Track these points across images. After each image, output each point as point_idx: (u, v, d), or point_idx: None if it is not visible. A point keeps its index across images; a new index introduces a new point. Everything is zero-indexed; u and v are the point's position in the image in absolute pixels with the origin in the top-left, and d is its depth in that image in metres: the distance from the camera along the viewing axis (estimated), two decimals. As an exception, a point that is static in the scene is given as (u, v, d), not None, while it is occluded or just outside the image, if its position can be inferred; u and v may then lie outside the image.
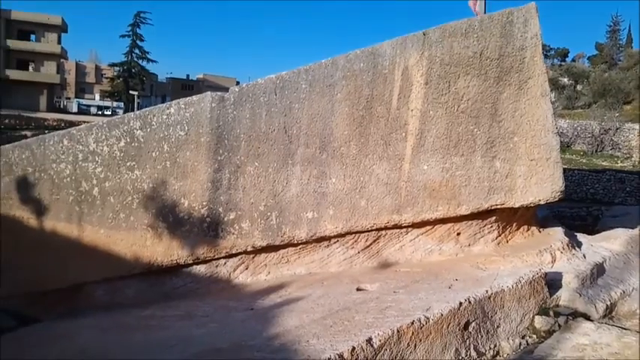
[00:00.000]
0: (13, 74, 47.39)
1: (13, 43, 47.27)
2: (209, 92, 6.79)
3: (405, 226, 6.82)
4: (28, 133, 24.20)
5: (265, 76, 6.64)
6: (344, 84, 6.44)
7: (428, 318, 4.32)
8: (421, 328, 4.23)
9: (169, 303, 6.36)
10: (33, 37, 49.18)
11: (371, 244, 6.90)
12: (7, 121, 30.57)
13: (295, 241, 6.68)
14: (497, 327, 4.89)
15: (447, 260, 6.78)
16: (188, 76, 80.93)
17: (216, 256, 6.90)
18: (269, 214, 6.61)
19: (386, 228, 6.76)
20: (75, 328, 5.37)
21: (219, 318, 5.17)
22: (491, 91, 6.54)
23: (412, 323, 4.19)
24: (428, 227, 6.97)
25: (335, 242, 6.84)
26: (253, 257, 7.00)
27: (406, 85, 6.51)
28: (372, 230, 6.74)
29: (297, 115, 6.50)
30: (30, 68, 48.92)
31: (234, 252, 6.83)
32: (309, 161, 6.52)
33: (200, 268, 7.06)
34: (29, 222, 7.20)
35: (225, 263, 7.04)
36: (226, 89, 6.99)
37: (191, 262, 6.94)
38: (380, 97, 6.50)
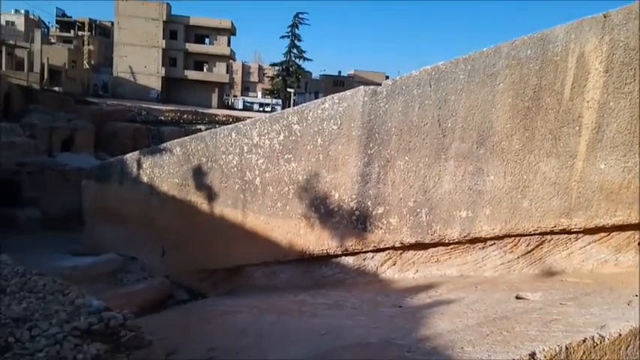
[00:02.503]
0: (191, 74, 53.91)
1: (191, 47, 53.68)
2: (362, 86, 6.82)
3: (574, 232, 6.06)
4: (203, 127, 27.25)
5: (415, 69, 6.45)
6: (507, 73, 5.93)
7: (603, 337, 3.76)
8: (594, 347, 3.70)
9: (319, 291, 6.58)
10: (207, 40, 55.31)
11: (533, 249, 6.28)
12: (185, 116, 34.91)
13: (446, 241, 6.39)
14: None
15: (625, 272, 5.87)
16: (340, 72, 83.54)
17: (364, 249, 6.95)
18: (419, 210, 6.42)
19: (552, 232, 6.08)
20: (236, 306, 5.85)
21: (367, 311, 5.17)
22: (694, 77, 5.44)
23: (584, 341, 3.68)
24: (602, 234, 6.10)
25: (491, 245, 6.38)
26: (401, 254, 6.89)
27: (581, 73, 5.74)
28: (534, 234, 6.12)
29: (453, 108, 6.18)
30: (204, 69, 55.11)
31: (381, 247, 6.80)
32: (465, 156, 6.16)
33: (348, 260, 7.18)
34: (202, 206, 8.07)
35: (372, 257, 7.05)
36: (376, 84, 6.96)
37: (340, 253, 7.10)
38: (549, 86, 5.84)
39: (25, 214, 14.56)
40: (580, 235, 6.12)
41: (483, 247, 6.43)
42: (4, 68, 34.56)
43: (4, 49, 37.70)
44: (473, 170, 6.12)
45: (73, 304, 3.30)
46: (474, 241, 6.36)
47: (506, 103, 5.94)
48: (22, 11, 67.27)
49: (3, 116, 19.97)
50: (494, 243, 6.36)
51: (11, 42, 42.64)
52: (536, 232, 6.04)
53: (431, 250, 6.66)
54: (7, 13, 66.13)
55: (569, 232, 6.07)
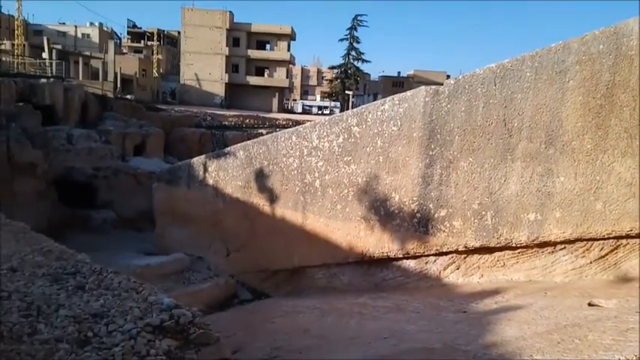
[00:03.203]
0: (252, 80, 55.34)
1: (253, 53, 55.12)
2: (423, 87, 6.72)
3: (654, 236, 5.66)
4: (264, 131, 27.89)
5: (478, 68, 6.27)
6: (577, 69, 5.64)
7: (688, 350, 3.48)
8: (678, 361, 3.43)
9: (380, 294, 6.54)
10: (268, 46, 56.54)
11: (607, 254, 5.92)
12: (247, 120, 35.87)
13: (513, 245, 6.16)
14: None
15: None
16: (399, 73, 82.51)
17: (425, 253, 6.83)
18: (483, 213, 6.23)
19: (627, 237, 5.71)
20: (299, 307, 5.93)
21: (429, 316, 5.09)
22: None
23: (666, 354, 3.43)
24: (688, 239, 5.65)
25: (561, 249, 6.08)
26: (465, 258, 6.72)
27: (661, 66, 5.36)
28: (609, 238, 5.77)
29: (519, 106, 5.95)
30: (265, 74, 56.35)
31: (444, 250, 6.66)
32: (532, 157, 5.91)
33: (409, 263, 7.09)
34: (264, 208, 8.27)
35: (435, 261, 6.92)
36: (437, 84, 6.83)
37: (401, 256, 7.02)
38: (624, 82, 5.49)
39: (101, 216, 15.51)
40: (661, 239, 5.70)
41: (553, 252, 6.14)
42: (81, 78, 37.09)
43: (80, 60, 40.51)
44: (541, 171, 5.87)
45: (146, 301, 3.47)
46: (543, 245, 6.09)
47: (577, 100, 5.65)
48: (97, 24, 71.87)
49: (80, 123, 21.41)
50: (565, 247, 6.06)
51: (87, 53, 45.77)
52: (611, 235, 5.69)
53: (497, 254, 6.45)
54: (83, 26, 70.89)
55: (649, 237, 5.67)
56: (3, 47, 39.30)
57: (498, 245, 6.23)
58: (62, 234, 10.85)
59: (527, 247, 6.17)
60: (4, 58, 33.85)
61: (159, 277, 7.87)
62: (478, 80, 6.18)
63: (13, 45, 39.40)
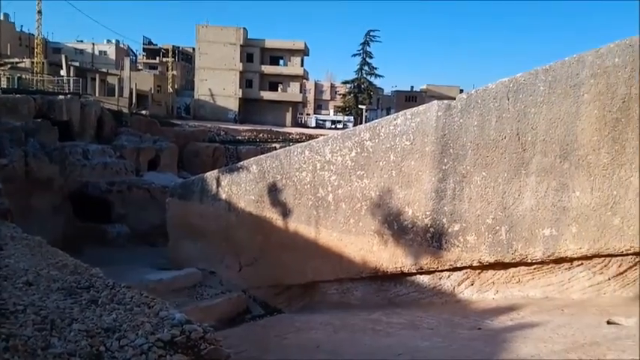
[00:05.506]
0: (266, 95, 55.88)
1: (266, 68, 55.72)
2: (435, 101, 6.72)
3: (674, 252, 5.53)
4: (277, 146, 28.02)
5: (490, 82, 6.25)
6: (592, 83, 5.59)
7: None
8: (702, 383, 3.33)
9: (394, 310, 6.47)
10: (281, 61, 57.13)
11: (626, 270, 5.80)
12: (261, 135, 36.14)
13: (529, 260, 6.06)
14: None
15: None
16: (412, 87, 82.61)
17: (439, 268, 6.76)
18: (498, 228, 6.16)
19: (647, 252, 5.59)
20: (311, 322, 5.89)
21: (444, 332, 5.01)
22: None
23: (689, 375, 3.33)
24: None
25: (578, 265, 5.96)
26: (479, 273, 6.62)
27: (678, 79, 5.30)
28: (627, 254, 5.65)
29: (533, 120, 5.91)
30: (279, 89, 56.86)
31: (458, 265, 6.58)
32: (547, 171, 5.85)
33: (423, 279, 7.01)
34: (277, 222, 8.27)
35: (449, 276, 6.84)
36: (449, 98, 6.82)
37: (414, 271, 6.95)
38: (641, 95, 5.43)
39: (115, 230, 15.67)
40: (682, 256, 5.57)
41: (569, 268, 6.03)
42: (97, 94, 37.80)
43: (97, 76, 41.30)
44: (556, 186, 5.80)
45: (158, 316, 3.48)
46: (559, 261, 5.99)
47: (592, 114, 5.59)
48: (114, 41, 73.35)
49: (96, 138, 21.76)
50: (582, 263, 5.95)
51: (104, 70, 46.65)
52: (629, 252, 5.58)
53: (512, 270, 6.35)
54: (100, 44, 72.37)
55: (669, 253, 5.54)
56: (23, 65, 40.28)
57: (513, 261, 6.14)
58: (77, 248, 10.97)
59: (542, 262, 6.07)
60: (23, 76, 34.69)
61: (171, 292, 7.88)
62: (491, 95, 6.16)
63: (32, 63, 40.34)
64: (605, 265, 5.83)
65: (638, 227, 5.41)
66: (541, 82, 5.85)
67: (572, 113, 5.69)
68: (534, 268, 6.17)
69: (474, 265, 6.43)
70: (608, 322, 4.90)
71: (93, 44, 72.24)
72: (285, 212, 8.10)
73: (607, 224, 5.55)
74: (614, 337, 4.27)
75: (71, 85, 32.91)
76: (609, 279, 5.85)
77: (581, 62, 5.66)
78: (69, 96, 23.48)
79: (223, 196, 9.09)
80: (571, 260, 5.94)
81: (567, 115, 5.72)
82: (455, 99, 6.53)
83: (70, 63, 37.54)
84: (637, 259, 5.73)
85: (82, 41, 72.58)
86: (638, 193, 5.38)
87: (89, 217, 15.70)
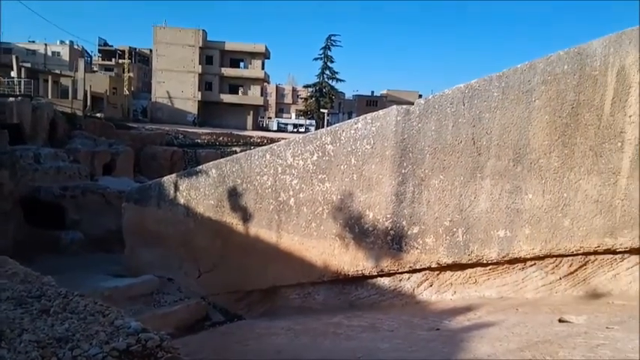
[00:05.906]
0: (226, 98, 55.25)
1: (226, 71, 55.14)
2: (395, 106, 6.82)
3: (620, 252, 5.81)
4: (238, 149, 27.76)
5: (448, 88, 6.41)
6: (543, 89, 5.82)
7: (655, 365, 3.56)
8: (646, 376, 3.50)
9: (355, 312, 6.50)
10: (242, 64, 56.67)
11: (576, 270, 6.05)
12: (221, 138, 35.72)
13: (484, 261, 6.23)
14: None
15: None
16: (373, 92, 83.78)
17: (399, 270, 6.85)
18: (455, 230, 6.30)
19: (595, 253, 5.85)
20: (272, 328, 5.84)
21: (403, 334, 5.07)
22: None
23: (634, 369, 3.49)
24: (652, 254, 5.82)
25: (531, 265, 6.18)
26: (438, 275, 6.75)
27: (622, 87, 5.58)
28: (577, 254, 5.90)
29: (488, 125, 6.09)
30: (239, 92, 56.35)
31: (417, 267, 6.69)
32: (501, 174, 6.04)
33: (384, 281, 7.08)
34: (237, 227, 8.16)
35: (408, 278, 6.93)
36: (409, 103, 6.94)
37: (375, 274, 7.01)
38: (588, 102, 5.69)
39: (69, 237, 15.05)
40: (626, 255, 5.87)
41: (523, 268, 6.23)
42: (50, 96, 36.34)
43: (50, 78, 39.75)
44: (510, 188, 5.99)
45: (113, 325, 3.37)
46: (514, 261, 6.18)
47: (543, 119, 5.82)
48: (67, 42, 70.72)
49: (49, 142, 20.94)
50: (535, 264, 6.16)
51: (57, 71, 44.93)
52: (579, 252, 5.83)
53: (469, 270, 6.51)
54: (53, 44, 69.70)
55: (615, 253, 5.83)
56: (-31, 65, 38.27)
57: (470, 262, 6.29)
58: (28, 255, 10.45)
59: (498, 263, 6.25)
60: (-30, 77, 32.99)
61: (127, 300, 7.64)
62: (447, 100, 6.30)
63: (-21, 63, 38.41)
64: (557, 265, 6.07)
65: (586, 228, 5.66)
66: (495, 88, 6.04)
67: (525, 118, 5.90)
68: (490, 269, 6.35)
69: (432, 266, 6.55)
70: (560, 321, 5.09)
71: (45, 45, 69.52)
72: (246, 217, 8.01)
73: (558, 225, 5.78)
74: (565, 335, 4.44)
75: (22, 87, 31.53)
76: (560, 278, 6.09)
77: (532, 69, 5.88)
78: (20, 98, 22.48)
79: (182, 200, 8.90)
80: (524, 261, 6.14)
81: (520, 120, 5.92)
82: (414, 104, 6.64)
83: (21, 64, 35.96)
84: (586, 259, 5.99)
85: (34, 42, 69.77)
86: (586, 196, 5.63)
87: (41, 224, 15.03)
